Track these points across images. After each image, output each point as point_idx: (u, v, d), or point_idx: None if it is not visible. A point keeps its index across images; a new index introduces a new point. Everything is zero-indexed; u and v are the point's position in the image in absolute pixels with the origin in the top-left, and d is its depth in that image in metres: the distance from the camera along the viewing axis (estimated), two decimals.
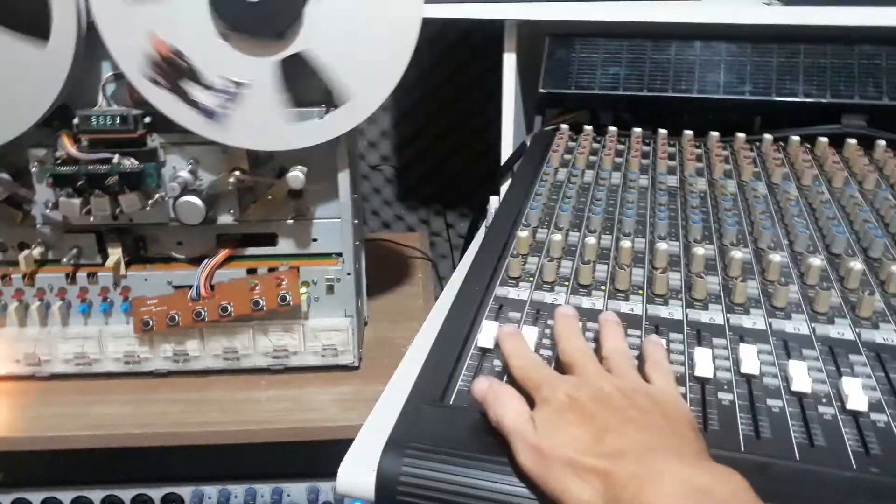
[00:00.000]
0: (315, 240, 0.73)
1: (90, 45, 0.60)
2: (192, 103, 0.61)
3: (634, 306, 0.52)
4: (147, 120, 0.64)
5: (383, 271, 0.96)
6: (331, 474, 0.42)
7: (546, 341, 0.49)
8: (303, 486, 0.73)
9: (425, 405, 0.43)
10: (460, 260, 1.17)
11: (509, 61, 0.95)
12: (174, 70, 0.60)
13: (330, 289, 0.73)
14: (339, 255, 0.73)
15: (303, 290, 0.71)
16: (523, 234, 0.60)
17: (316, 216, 0.72)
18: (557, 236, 0.59)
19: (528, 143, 0.88)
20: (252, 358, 0.74)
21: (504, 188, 1.01)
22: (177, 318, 0.70)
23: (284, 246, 0.73)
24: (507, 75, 0.96)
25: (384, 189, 1.38)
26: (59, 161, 0.64)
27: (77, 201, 0.64)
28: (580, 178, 0.73)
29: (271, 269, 0.72)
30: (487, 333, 0.48)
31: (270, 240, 0.73)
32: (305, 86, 0.64)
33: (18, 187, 0.66)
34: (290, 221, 0.72)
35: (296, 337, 0.73)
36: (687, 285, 0.54)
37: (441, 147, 1.33)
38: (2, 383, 0.73)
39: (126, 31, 0.59)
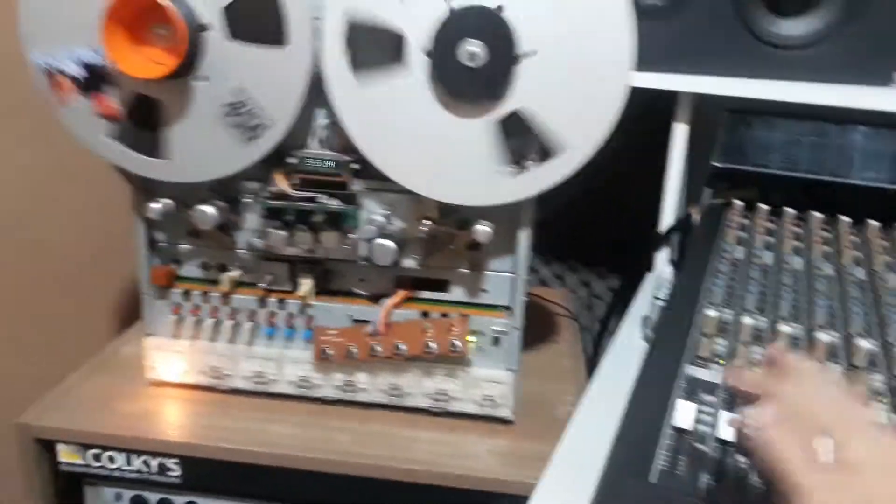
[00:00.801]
0: (486, 290, 0.75)
1: (310, 94, 0.66)
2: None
3: None
4: (354, 167, 0.69)
5: (529, 326, 0.97)
6: None
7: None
8: None
9: (630, 480, 0.44)
10: (602, 321, 1.17)
11: (680, 132, 0.96)
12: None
13: (496, 341, 0.75)
14: (508, 308, 0.75)
15: (471, 338, 0.74)
16: (711, 313, 0.60)
17: (490, 268, 0.74)
18: (748, 320, 0.59)
19: (698, 216, 0.88)
20: (415, 397, 0.76)
21: (661, 255, 1.01)
22: (354, 351, 0.74)
23: (456, 293, 0.76)
24: (677, 145, 0.97)
25: None
26: (271, 195, 0.70)
27: (283, 233, 0.70)
28: (760, 258, 0.72)
29: (443, 315, 0.75)
30: (684, 413, 0.49)
31: (444, 286, 0.76)
32: (518, 140, 0.67)
33: (231, 214, 0.72)
34: (465, 271, 0.75)
35: (458, 383, 0.75)
36: (891, 389, 0.52)
37: (585, 204, 1.34)
38: (187, 391, 0.79)
39: (358, 112, 0.65)
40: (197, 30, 0.62)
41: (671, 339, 0.59)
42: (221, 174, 0.69)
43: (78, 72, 0.65)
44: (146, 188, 0.73)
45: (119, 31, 0.60)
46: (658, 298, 0.77)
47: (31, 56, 0.65)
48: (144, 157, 0.68)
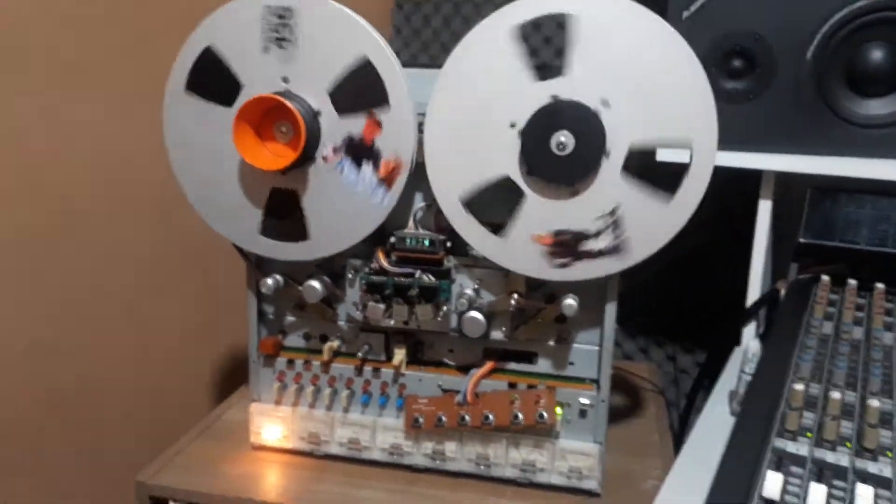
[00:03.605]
0: (572, 363, 0.78)
1: (410, 178, 0.72)
2: (599, 254, 0.70)
3: None
4: (448, 244, 0.75)
5: (615, 399, 0.98)
6: None
7: (834, 502, 0.49)
8: None
9: None
10: (688, 395, 1.16)
11: (764, 208, 0.98)
12: (569, 245, 0.70)
13: (582, 413, 0.77)
14: (595, 381, 0.77)
15: (558, 410, 0.76)
16: (798, 387, 0.60)
17: (576, 341, 0.77)
18: (836, 394, 0.59)
19: (785, 291, 0.88)
20: (502, 468, 0.79)
21: (747, 331, 1.01)
22: (443, 419, 0.77)
23: (543, 365, 0.79)
24: (761, 221, 0.98)
25: None
26: (371, 271, 0.76)
27: (382, 306, 0.75)
28: (850, 334, 0.72)
29: (530, 386, 0.77)
30: (773, 484, 0.49)
31: (530, 358, 0.79)
32: None
33: (335, 289, 0.79)
34: (552, 343, 0.78)
35: (545, 455, 0.77)
36: None
37: (672, 278, 1.34)
38: (286, 455, 0.84)
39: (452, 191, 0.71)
40: (313, 118, 0.70)
41: (759, 411, 0.59)
42: (356, 241, 0.75)
43: None
44: (259, 265, 0.81)
45: (247, 129, 0.69)
46: (745, 373, 0.77)
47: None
48: (289, 243, 0.76)
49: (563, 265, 0.70)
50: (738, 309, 1.01)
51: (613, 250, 0.69)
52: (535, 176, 0.69)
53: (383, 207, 0.72)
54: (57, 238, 0.99)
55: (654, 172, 0.70)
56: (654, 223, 0.68)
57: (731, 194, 1.17)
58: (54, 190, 0.98)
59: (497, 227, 0.71)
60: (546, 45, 1.28)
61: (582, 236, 0.69)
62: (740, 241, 1.02)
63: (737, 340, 1.01)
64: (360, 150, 0.71)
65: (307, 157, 0.71)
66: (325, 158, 0.72)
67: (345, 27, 0.69)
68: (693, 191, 0.67)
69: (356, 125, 0.71)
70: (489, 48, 0.67)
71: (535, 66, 0.67)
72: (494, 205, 0.71)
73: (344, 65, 0.69)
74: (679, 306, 1.34)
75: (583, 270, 0.70)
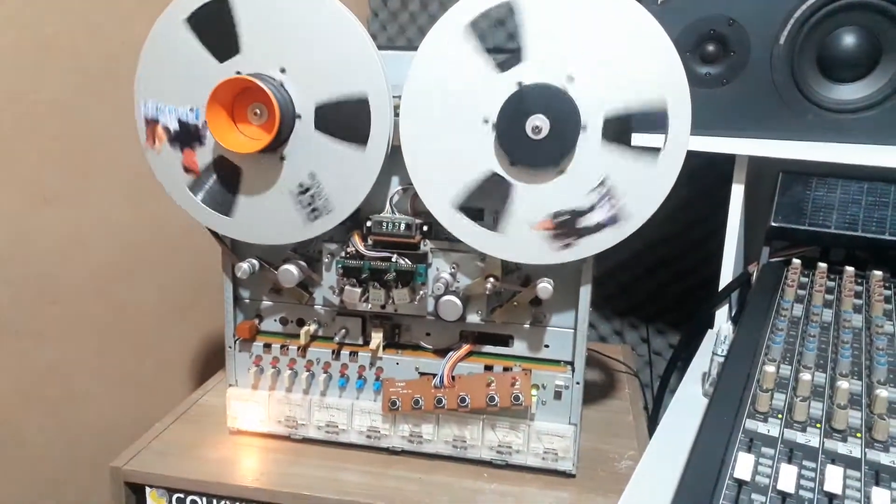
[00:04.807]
0: (547, 346, 0.79)
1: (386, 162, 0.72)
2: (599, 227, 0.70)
3: (894, 458, 0.52)
4: (424, 228, 0.75)
5: (589, 381, 0.99)
6: None
7: (804, 482, 0.50)
8: None
9: None
10: (662, 377, 1.17)
11: (737, 192, 0.99)
12: (568, 226, 0.70)
13: (557, 395, 0.77)
14: (570, 363, 0.78)
15: (533, 392, 0.77)
16: (770, 368, 0.61)
17: (552, 324, 0.78)
18: (806, 375, 0.60)
19: (757, 274, 0.90)
20: (478, 449, 0.79)
21: (720, 313, 1.02)
22: (421, 402, 0.78)
23: (518, 348, 0.79)
24: (734, 205, 0.99)
25: None
26: (348, 255, 0.76)
27: (358, 290, 0.75)
28: (820, 316, 0.74)
29: (506, 369, 0.78)
30: (744, 465, 0.50)
31: (506, 341, 0.80)
32: None
33: (312, 273, 0.78)
34: (527, 326, 0.78)
35: (521, 436, 0.78)
36: None
37: (642, 261, 1.36)
38: (264, 439, 0.84)
39: (429, 175, 0.71)
40: (291, 116, 0.70)
41: (731, 393, 0.60)
42: (278, 242, 0.76)
43: (174, 125, 0.73)
44: (235, 249, 0.80)
45: (221, 107, 0.68)
46: (718, 355, 0.78)
47: (138, 102, 0.73)
48: (213, 211, 0.75)
49: (567, 246, 0.70)
50: (711, 292, 1.03)
51: (612, 220, 0.69)
52: (518, 165, 0.69)
53: (314, 230, 0.73)
54: (27, 218, 0.97)
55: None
56: (646, 185, 0.68)
57: (705, 178, 1.19)
58: (24, 169, 0.96)
59: (492, 222, 0.72)
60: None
61: (578, 213, 0.69)
62: (717, 226, 1.03)
63: (709, 323, 1.03)
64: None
65: (271, 148, 0.70)
66: (284, 158, 0.72)
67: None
68: (677, 143, 0.67)
69: (327, 148, 0.72)
70: (446, 52, 0.67)
71: (495, 57, 0.67)
72: (486, 200, 0.71)
73: (342, 94, 0.69)
74: (653, 290, 1.36)
75: (586, 247, 0.70)
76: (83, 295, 1.07)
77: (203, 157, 0.74)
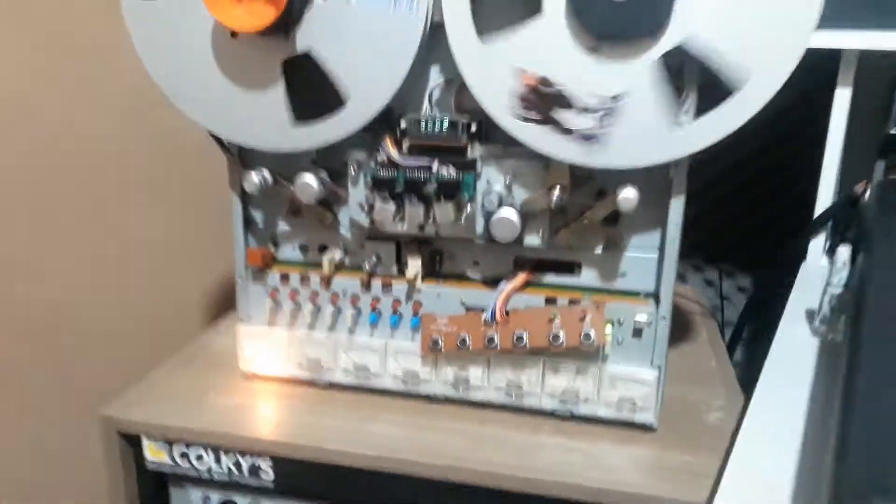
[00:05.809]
0: (624, 274, 0.64)
1: (424, 48, 0.57)
2: (567, 132, 0.55)
3: None
4: (472, 129, 0.60)
5: None
6: None
7: None
8: None
9: (875, 498, 0.32)
10: (740, 316, 1.03)
11: (842, 97, 0.83)
12: (543, 101, 0.55)
13: (637, 332, 0.63)
14: (652, 295, 0.64)
15: (607, 329, 0.63)
16: None
17: (630, 247, 0.63)
18: None
19: (873, 192, 0.74)
20: (537, 397, 0.66)
21: (816, 242, 0.88)
22: (468, 340, 0.64)
23: (587, 277, 0.65)
24: (838, 113, 0.83)
25: None
26: (379, 164, 0.62)
27: (392, 207, 0.61)
28: None
29: (572, 302, 0.64)
30: None
31: (572, 268, 0.66)
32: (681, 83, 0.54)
33: (336, 188, 0.65)
34: (600, 251, 0.64)
35: (590, 382, 0.65)
36: None
37: (706, 195, 1.20)
38: (282, 385, 0.72)
39: (486, 69, 0.56)
40: None
41: (890, 325, 0.46)
42: (398, 84, 0.58)
43: None
44: (243, 159, 0.67)
45: None
46: (833, 285, 0.64)
47: None
48: (323, 121, 0.60)
49: (522, 118, 0.56)
50: (788, 226, 0.88)
51: (586, 138, 0.55)
52: (588, 30, 0.53)
53: (418, 21, 0.56)
54: (21, 147, 0.85)
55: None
56: (649, 138, 0.55)
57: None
58: (15, 89, 0.83)
59: None
60: None
61: (565, 102, 0.55)
62: (791, 149, 0.88)
63: (803, 254, 0.88)
64: None
65: (282, 28, 0.56)
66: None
67: None
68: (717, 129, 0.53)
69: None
70: None
71: None
72: None
73: None
74: (719, 226, 1.21)
75: (533, 137, 0.56)
76: (86, 228, 0.96)
77: None
